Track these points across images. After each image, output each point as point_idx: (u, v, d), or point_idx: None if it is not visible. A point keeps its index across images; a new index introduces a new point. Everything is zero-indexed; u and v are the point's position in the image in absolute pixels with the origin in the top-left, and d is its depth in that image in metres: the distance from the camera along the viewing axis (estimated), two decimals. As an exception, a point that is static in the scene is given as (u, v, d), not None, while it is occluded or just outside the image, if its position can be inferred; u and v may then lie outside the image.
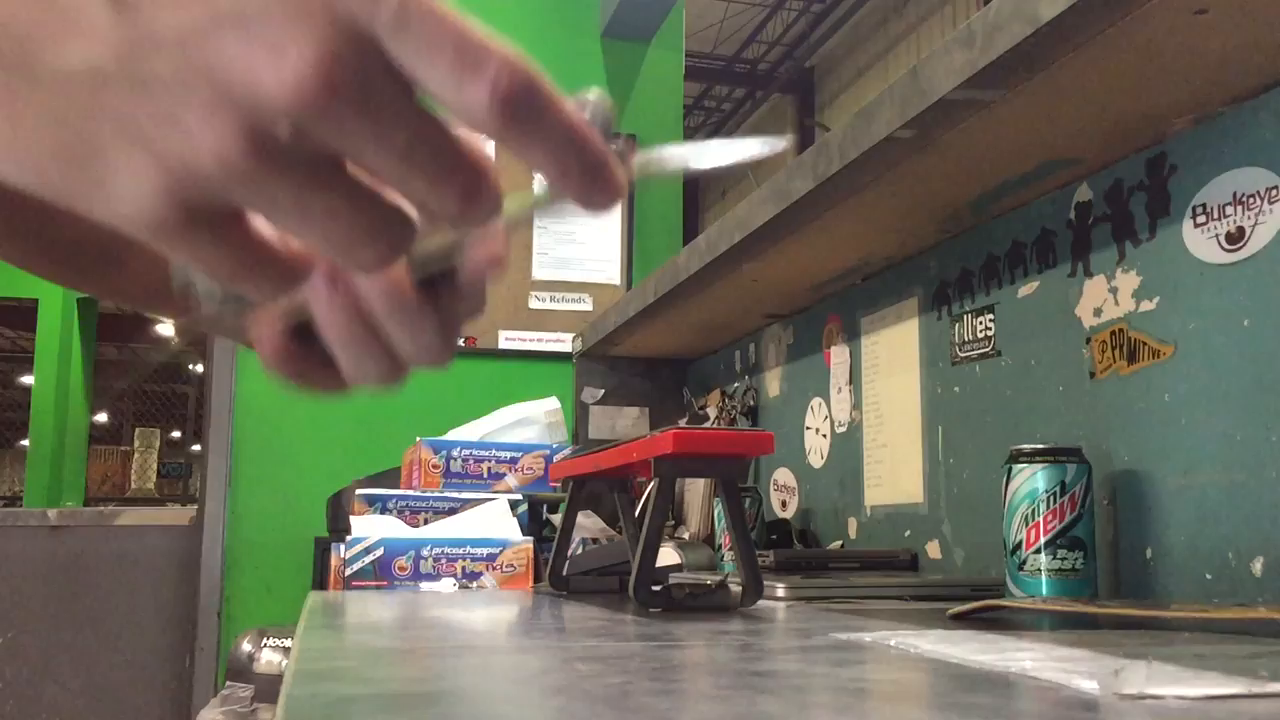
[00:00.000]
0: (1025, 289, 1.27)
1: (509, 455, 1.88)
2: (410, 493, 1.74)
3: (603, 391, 2.45)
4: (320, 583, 2.41)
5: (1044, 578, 1.02)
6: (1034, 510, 1.03)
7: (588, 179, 0.32)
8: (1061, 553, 1.01)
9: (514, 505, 1.69)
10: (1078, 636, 0.79)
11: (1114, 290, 1.12)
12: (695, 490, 1.92)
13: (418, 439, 1.91)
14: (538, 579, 1.52)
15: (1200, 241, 1.01)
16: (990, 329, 1.34)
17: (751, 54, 12.11)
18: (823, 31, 11.57)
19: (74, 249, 0.41)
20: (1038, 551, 1.02)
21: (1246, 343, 0.96)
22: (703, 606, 1.00)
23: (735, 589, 1.01)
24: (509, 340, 3.16)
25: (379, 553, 1.47)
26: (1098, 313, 1.15)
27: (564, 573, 1.28)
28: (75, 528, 2.93)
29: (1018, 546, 1.04)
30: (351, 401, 3.01)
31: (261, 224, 0.30)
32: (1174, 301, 1.04)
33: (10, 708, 2.82)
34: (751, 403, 2.06)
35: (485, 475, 1.86)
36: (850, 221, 1.38)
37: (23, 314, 7.00)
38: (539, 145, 0.30)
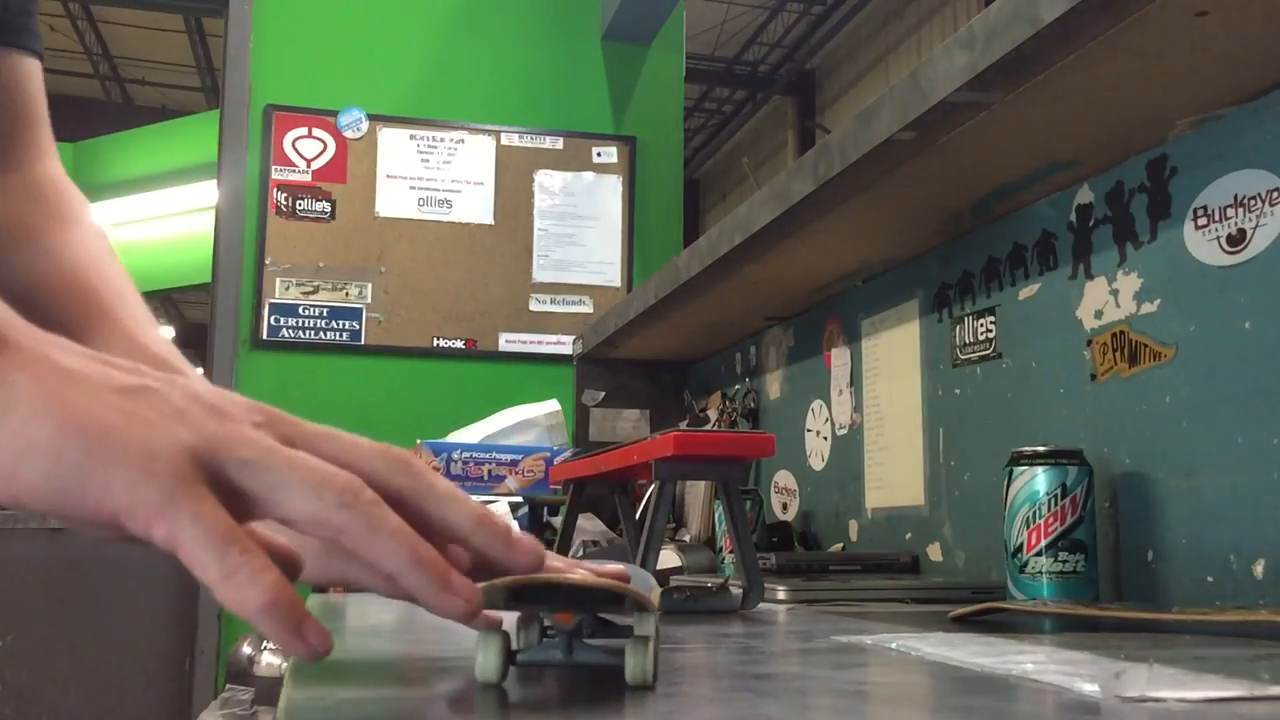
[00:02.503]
0: (1026, 291, 1.27)
1: (510, 458, 1.88)
2: (411, 495, 1.74)
3: (603, 394, 2.45)
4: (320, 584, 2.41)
5: (1045, 580, 1.01)
6: (1035, 513, 1.02)
7: (422, 588, 0.40)
8: (1063, 555, 1.01)
9: (515, 508, 1.69)
10: (1079, 639, 0.79)
11: (1115, 292, 1.12)
12: (696, 493, 1.92)
13: (419, 441, 1.91)
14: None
15: (1201, 244, 1.01)
16: (991, 331, 1.34)
17: (752, 56, 12.12)
18: (823, 34, 11.57)
19: None
20: (1039, 554, 1.02)
21: (1248, 345, 0.96)
22: (703, 609, 1.00)
23: (736, 591, 1.01)
24: (509, 343, 3.16)
25: (379, 555, 1.47)
26: (1099, 315, 1.14)
27: (564, 575, 1.27)
28: (75, 530, 2.94)
29: (1019, 549, 1.03)
30: (352, 405, 3.01)
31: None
32: (1175, 304, 1.04)
33: (9, 711, 2.82)
34: (752, 405, 2.06)
35: (486, 478, 1.86)
36: (851, 223, 1.38)
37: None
38: (374, 554, 0.40)
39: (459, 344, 3.12)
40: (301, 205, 3.07)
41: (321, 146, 3.11)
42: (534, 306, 3.19)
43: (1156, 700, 0.46)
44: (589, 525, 1.76)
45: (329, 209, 3.08)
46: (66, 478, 0.38)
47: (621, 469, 1.14)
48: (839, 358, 1.74)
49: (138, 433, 0.39)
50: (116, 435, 0.38)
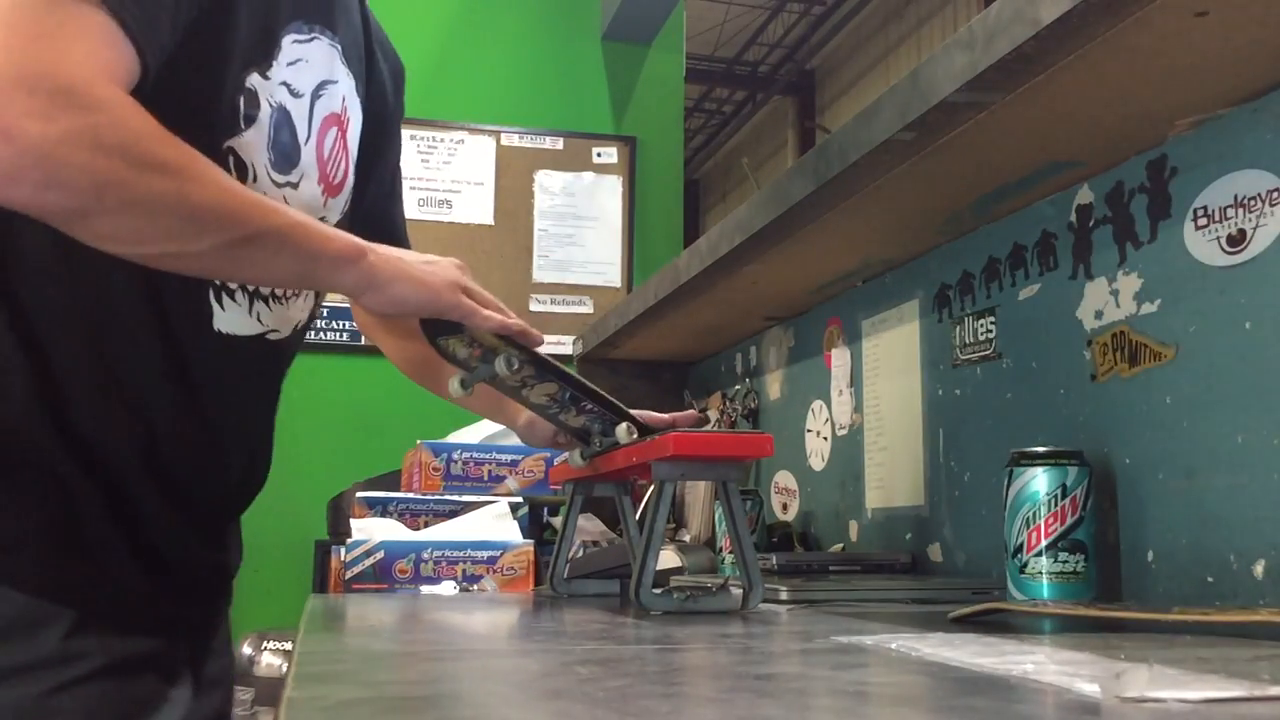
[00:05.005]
0: (1026, 291, 1.27)
1: (509, 458, 1.88)
2: (411, 495, 1.74)
3: (603, 394, 2.45)
4: (321, 586, 2.41)
5: (1045, 581, 1.01)
6: (1035, 513, 1.02)
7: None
8: (1063, 555, 1.01)
9: (515, 508, 1.69)
10: (1079, 640, 0.79)
11: (1115, 293, 1.12)
12: (696, 493, 1.92)
13: (419, 441, 1.91)
14: (538, 582, 1.52)
15: (1201, 244, 1.01)
16: (991, 331, 1.34)
17: (752, 56, 12.12)
18: (823, 34, 11.57)
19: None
20: (1039, 554, 1.02)
21: (1248, 345, 0.96)
22: (703, 609, 1.00)
23: (736, 591, 1.01)
24: (510, 343, 3.16)
25: (379, 555, 1.47)
26: (1099, 315, 1.15)
27: (565, 575, 1.28)
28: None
29: (1019, 549, 1.04)
30: (352, 404, 3.01)
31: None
32: (1175, 304, 1.04)
33: (11, 711, 2.82)
34: (752, 405, 2.06)
35: (486, 478, 1.86)
36: (851, 224, 1.38)
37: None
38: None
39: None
40: (301, 205, 3.07)
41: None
42: (534, 307, 3.19)
43: (1157, 701, 0.47)
44: (589, 525, 1.76)
45: (329, 209, 3.08)
46: (421, 301, 0.94)
47: (621, 469, 1.14)
48: (839, 358, 1.74)
49: (442, 289, 0.95)
50: (433, 281, 0.94)
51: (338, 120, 1.00)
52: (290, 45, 0.92)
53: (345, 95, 1.02)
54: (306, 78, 0.94)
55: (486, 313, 0.98)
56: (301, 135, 0.95)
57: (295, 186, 0.95)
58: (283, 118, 0.91)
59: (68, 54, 0.71)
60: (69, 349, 0.86)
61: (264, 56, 0.89)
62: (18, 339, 0.84)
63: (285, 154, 0.93)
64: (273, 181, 0.92)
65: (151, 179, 0.74)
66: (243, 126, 0.88)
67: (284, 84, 0.91)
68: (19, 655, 0.81)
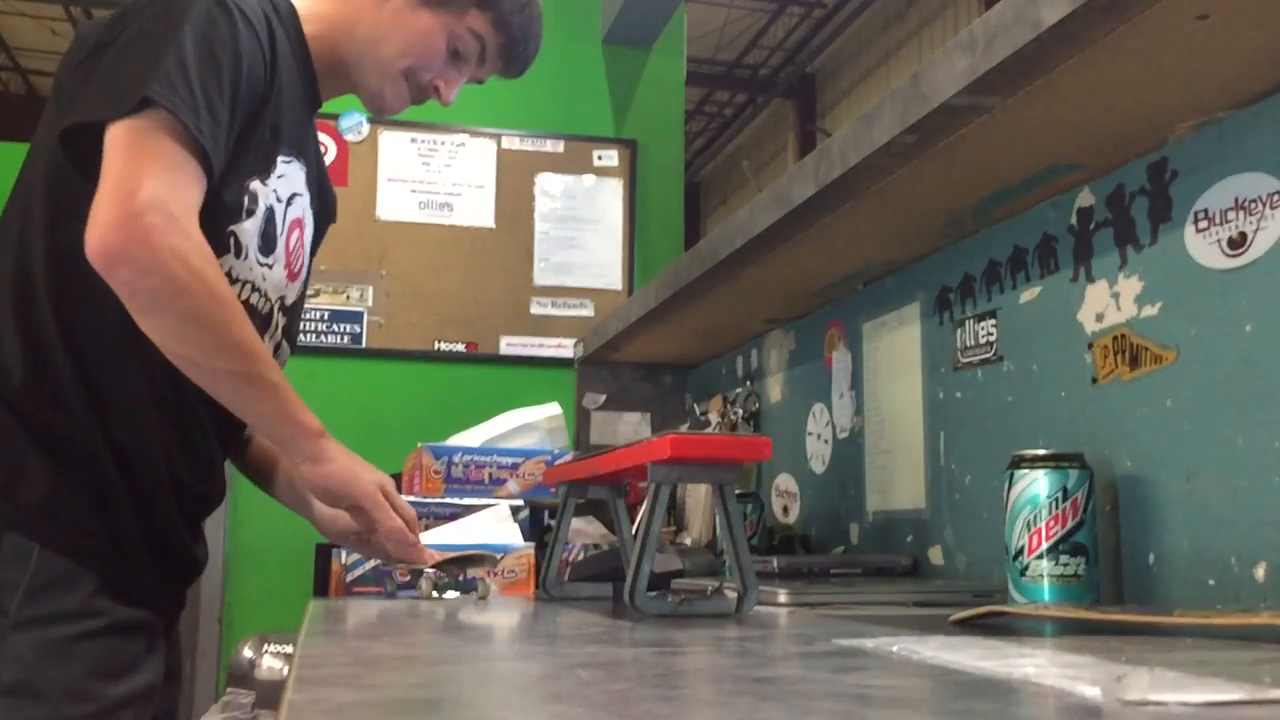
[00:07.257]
0: (1027, 294, 1.27)
1: (510, 461, 1.88)
2: (411, 498, 1.74)
3: (604, 397, 2.45)
4: (321, 589, 2.40)
5: (1046, 583, 1.01)
6: (1036, 516, 1.02)
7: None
8: (1063, 558, 1.01)
9: (515, 511, 1.69)
10: (1080, 643, 0.79)
11: (1116, 296, 1.12)
12: (697, 496, 1.92)
13: (419, 445, 1.91)
14: (539, 585, 1.52)
15: (1202, 247, 1.01)
16: (992, 334, 1.34)
17: (753, 59, 12.13)
18: (824, 37, 11.57)
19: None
20: (1040, 557, 1.02)
21: (1249, 348, 0.96)
22: (696, 613, 1.00)
23: (730, 595, 1.01)
24: (510, 346, 3.16)
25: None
26: (1100, 318, 1.14)
27: (565, 578, 1.28)
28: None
29: (1020, 552, 1.03)
30: (353, 408, 3.01)
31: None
32: (1176, 307, 1.04)
33: (11, 714, 2.81)
34: (753, 408, 2.06)
35: (487, 481, 1.86)
36: (852, 227, 1.38)
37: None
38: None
39: (460, 347, 3.12)
40: (302, 208, 3.07)
41: (323, 150, 3.11)
42: (535, 310, 3.19)
43: (1158, 703, 0.46)
44: (589, 529, 1.76)
45: (330, 212, 3.08)
46: (344, 481, 1.13)
47: (617, 472, 1.14)
48: (840, 361, 1.74)
49: (366, 479, 1.16)
50: (360, 478, 1.15)
51: (299, 224, 1.26)
52: (280, 164, 1.18)
53: (305, 207, 1.27)
54: (285, 189, 1.20)
55: (388, 515, 1.16)
56: (279, 230, 1.19)
57: (271, 268, 1.19)
58: (269, 214, 1.16)
59: (173, 184, 0.98)
60: (118, 379, 1.08)
61: (264, 170, 1.15)
62: (80, 372, 1.07)
63: (269, 242, 1.17)
64: (259, 261, 1.16)
65: (211, 304, 1.00)
66: (243, 218, 1.12)
67: (273, 190, 1.16)
68: (58, 604, 1.02)
